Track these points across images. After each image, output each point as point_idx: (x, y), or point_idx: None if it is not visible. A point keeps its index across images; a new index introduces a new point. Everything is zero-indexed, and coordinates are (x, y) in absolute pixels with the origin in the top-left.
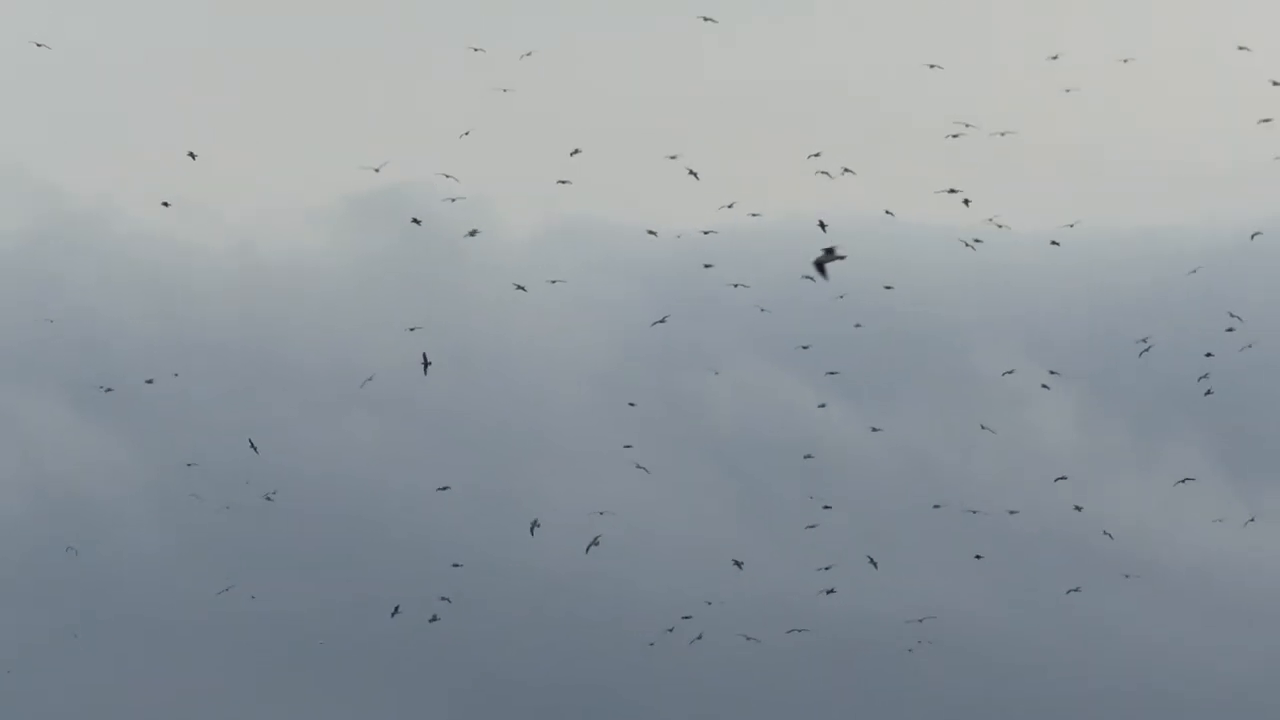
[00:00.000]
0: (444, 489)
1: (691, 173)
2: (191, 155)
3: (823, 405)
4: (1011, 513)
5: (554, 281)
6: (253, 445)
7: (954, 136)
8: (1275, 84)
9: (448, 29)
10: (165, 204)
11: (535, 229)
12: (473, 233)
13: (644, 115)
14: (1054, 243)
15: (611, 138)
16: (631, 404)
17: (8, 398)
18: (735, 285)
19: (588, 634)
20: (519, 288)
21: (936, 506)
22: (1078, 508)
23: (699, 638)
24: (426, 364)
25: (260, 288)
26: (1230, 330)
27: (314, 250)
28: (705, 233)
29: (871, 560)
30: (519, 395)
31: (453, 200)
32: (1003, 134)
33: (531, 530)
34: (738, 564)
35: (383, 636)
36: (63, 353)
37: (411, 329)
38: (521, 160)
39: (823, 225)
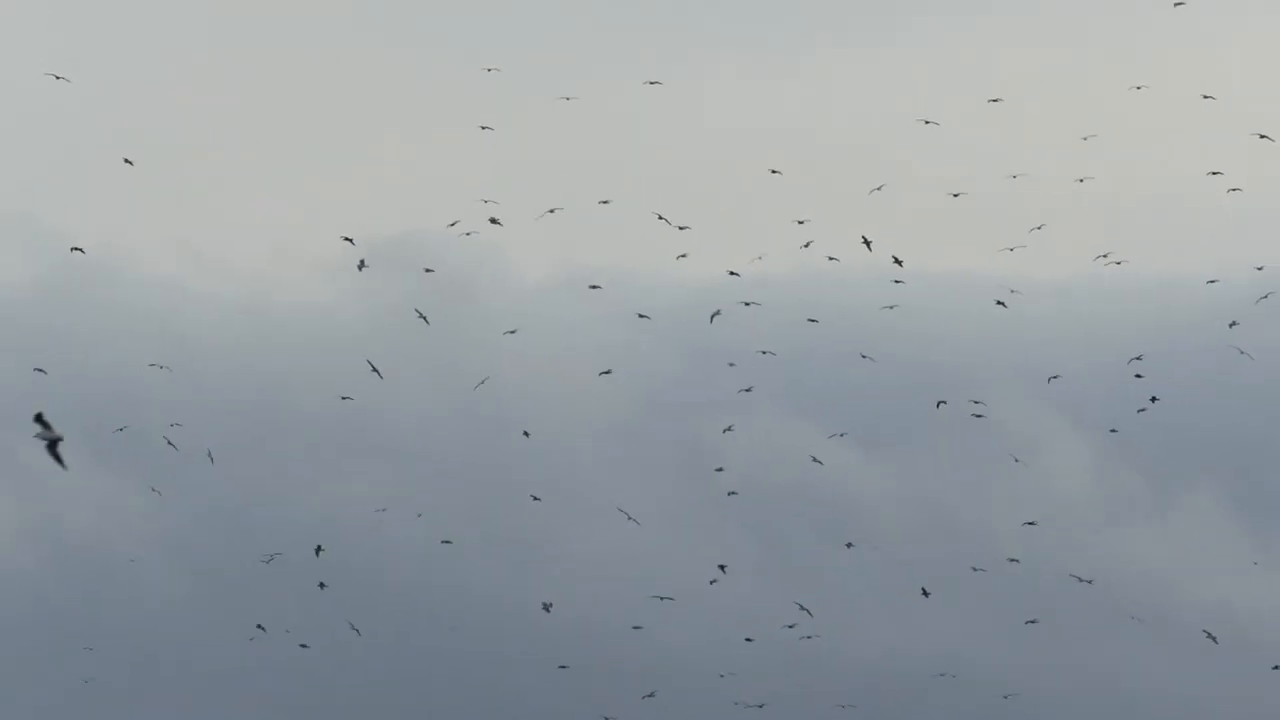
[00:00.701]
0: (447, 542)
1: (679, 227)
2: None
3: (842, 434)
4: (1011, 560)
5: (604, 373)
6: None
7: (955, 196)
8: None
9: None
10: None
11: (544, 276)
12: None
13: (652, 164)
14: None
15: (620, 185)
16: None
17: (22, 447)
18: (746, 302)
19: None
20: (510, 331)
21: (976, 569)
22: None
23: (651, 695)
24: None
25: (270, 336)
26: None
27: (324, 298)
28: (731, 273)
29: (924, 591)
30: (530, 444)
31: (466, 234)
32: (1014, 177)
33: (546, 609)
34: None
35: (391, 680)
36: (74, 402)
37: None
38: (530, 208)
39: (867, 242)
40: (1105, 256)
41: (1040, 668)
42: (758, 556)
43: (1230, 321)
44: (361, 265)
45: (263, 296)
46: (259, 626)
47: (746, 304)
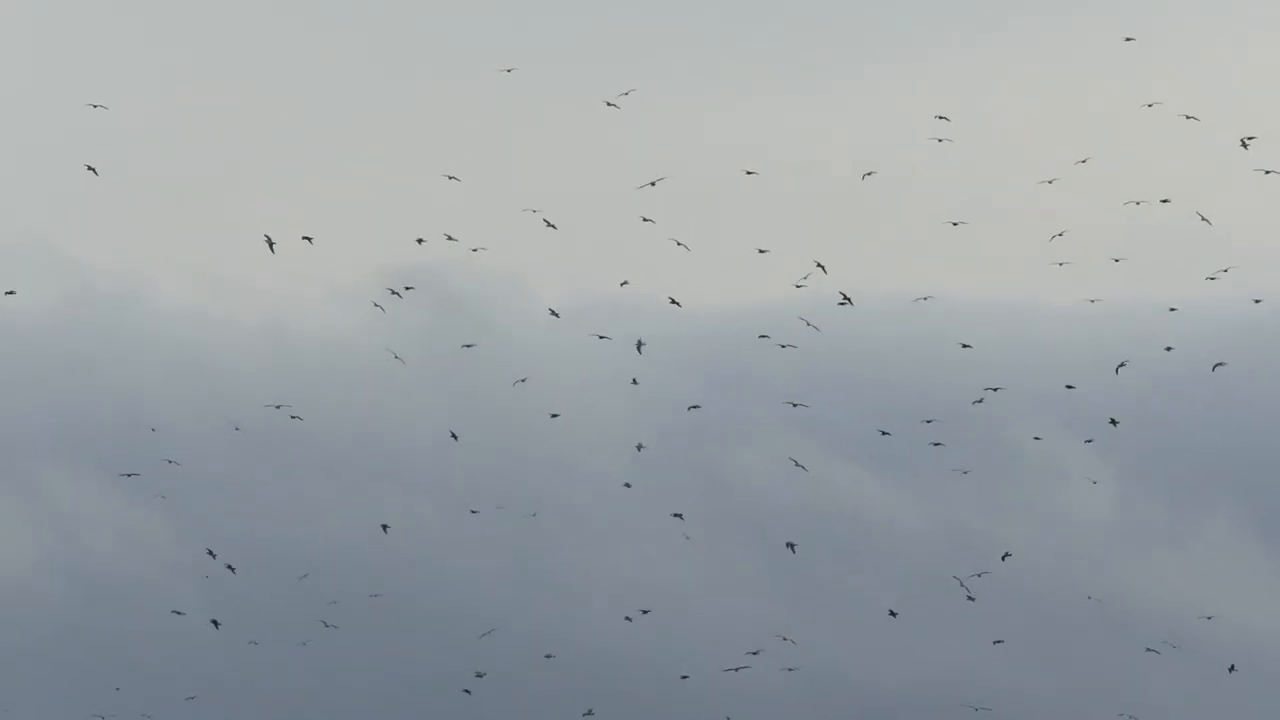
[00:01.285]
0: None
1: (680, 244)
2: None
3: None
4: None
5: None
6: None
7: (954, 224)
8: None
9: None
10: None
11: (564, 304)
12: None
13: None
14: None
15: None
16: (640, 446)
17: (41, 476)
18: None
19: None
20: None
21: (970, 598)
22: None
23: None
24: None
25: (291, 364)
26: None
27: (345, 327)
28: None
29: (891, 612)
30: (552, 471)
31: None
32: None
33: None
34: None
35: (419, 710)
36: (95, 430)
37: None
38: (549, 235)
39: (847, 299)
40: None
41: (1064, 693)
42: (772, 581)
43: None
44: (403, 291)
45: (280, 324)
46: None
47: (761, 336)
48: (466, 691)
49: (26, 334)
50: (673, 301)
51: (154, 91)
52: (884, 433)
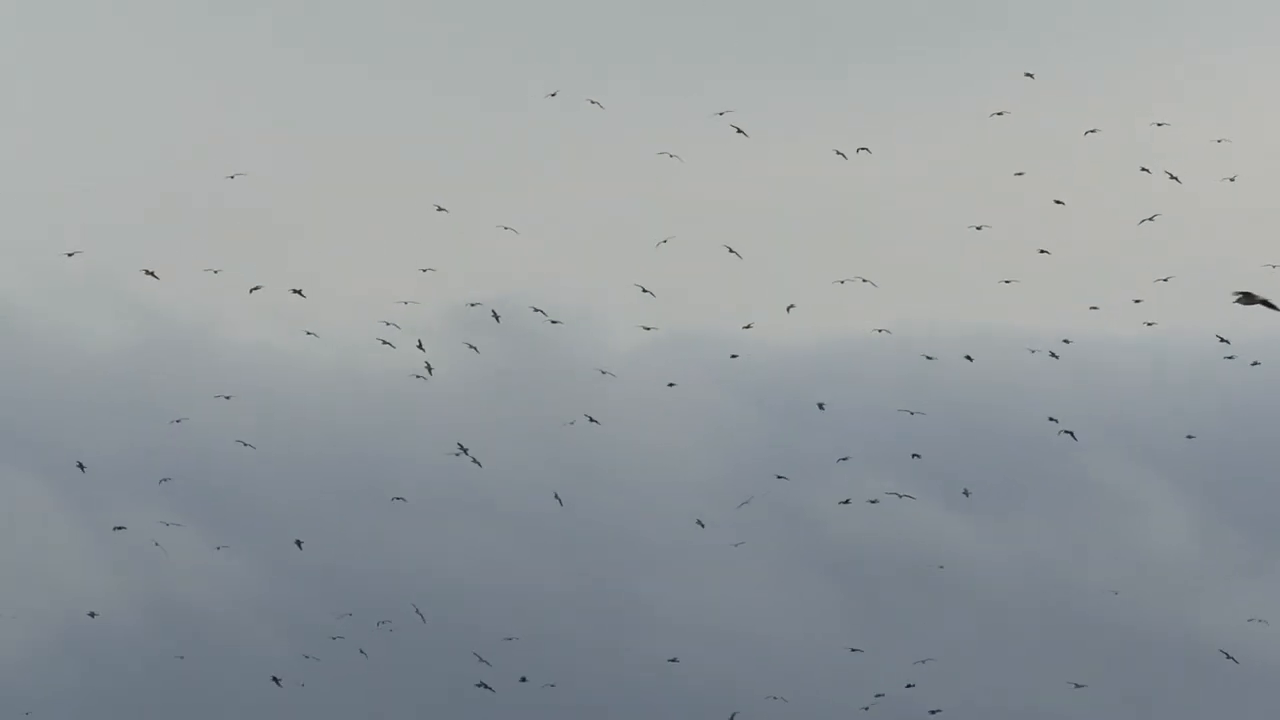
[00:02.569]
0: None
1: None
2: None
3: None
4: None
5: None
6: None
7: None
8: None
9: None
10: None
11: (638, 339)
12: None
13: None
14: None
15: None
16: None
17: (112, 508)
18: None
19: None
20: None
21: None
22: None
23: None
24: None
25: (362, 400)
26: None
27: (416, 362)
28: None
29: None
30: (627, 505)
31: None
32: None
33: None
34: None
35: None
36: (167, 465)
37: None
38: (624, 270)
39: (821, 406)
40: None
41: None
42: (856, 616)
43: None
44: (496, 317)
45: (356, 359)
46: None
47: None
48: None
49: (100, 369)
50: (746, 328)
51: (230, 129)
52: (915, 455)
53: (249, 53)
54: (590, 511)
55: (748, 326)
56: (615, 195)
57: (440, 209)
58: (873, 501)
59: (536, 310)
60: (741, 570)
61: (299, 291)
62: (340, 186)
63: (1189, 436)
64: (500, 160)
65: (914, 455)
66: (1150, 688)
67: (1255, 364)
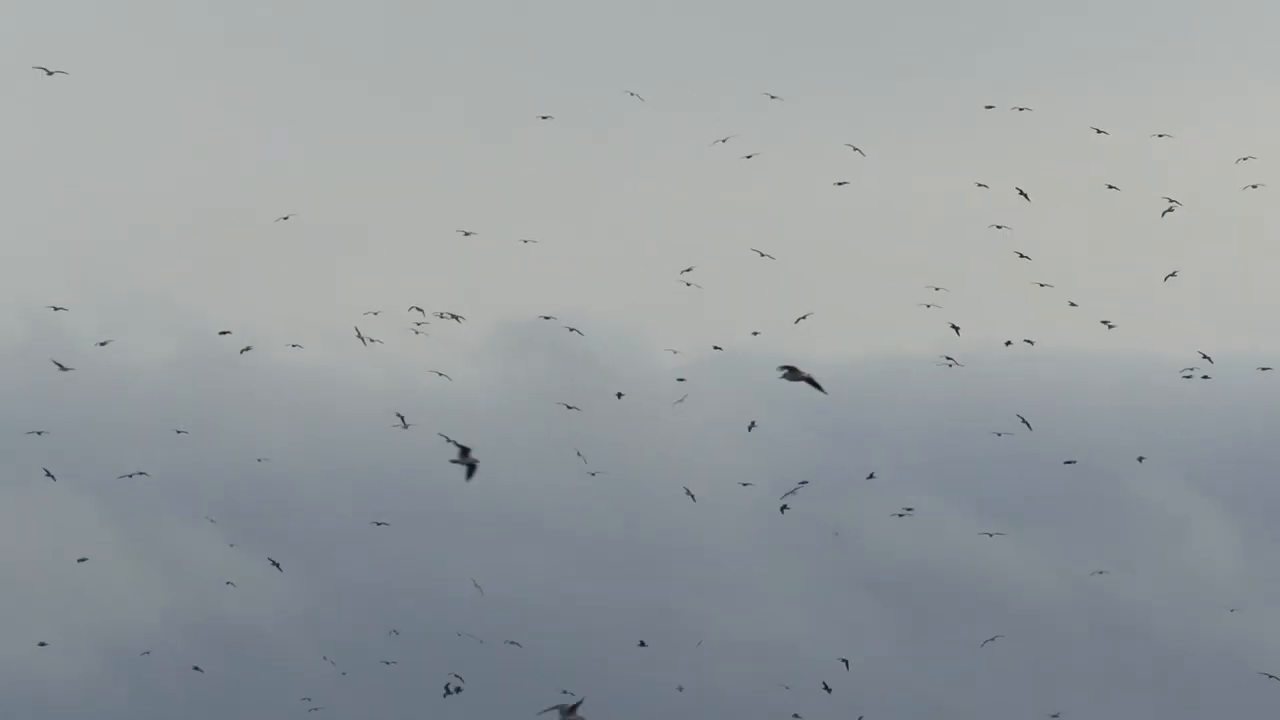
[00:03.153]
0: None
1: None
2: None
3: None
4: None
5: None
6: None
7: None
8: None
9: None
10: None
11: (684, 357)
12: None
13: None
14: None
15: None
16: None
17: (159, 525)
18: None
19: None
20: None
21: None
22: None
23: None
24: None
25: (412, 417)
26: None
27: (462, 378)
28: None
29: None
30: (673, 522)
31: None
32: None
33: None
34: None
35: None
36: (215, 483)
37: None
38: (671, 289)
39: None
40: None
41: None
42: (899, 640)
43: None
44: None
45: (403, 377)
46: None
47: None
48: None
49: (146, 386)
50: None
51: (278, 148)
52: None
53: (295, 83)
54: (631, 530)
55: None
56: (651, 209)
57: (467, 233)
58: (902, 513)
59: (572, 330)
60: (781, 587)
61: (374, 311)
62: (377, 209)
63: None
64: (533, 177)
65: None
66: (1193, 708)
67: None
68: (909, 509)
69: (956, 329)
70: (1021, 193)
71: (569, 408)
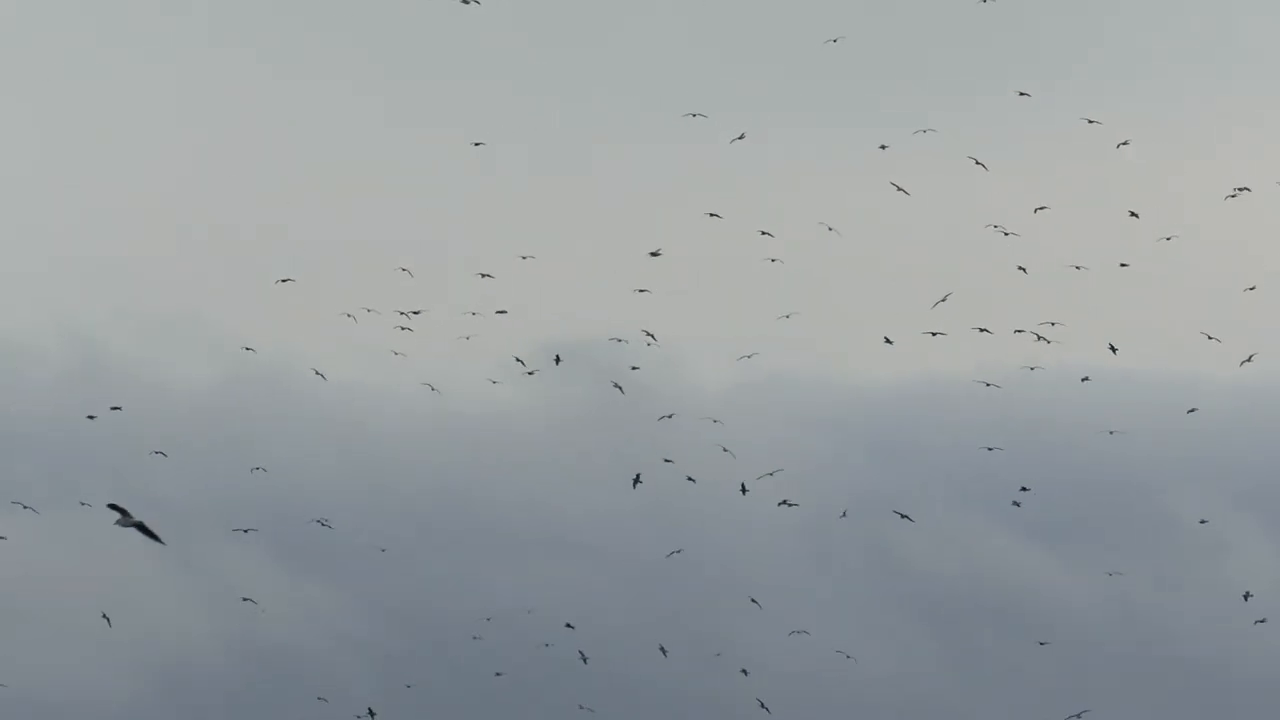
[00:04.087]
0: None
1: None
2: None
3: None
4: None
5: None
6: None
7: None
8: None
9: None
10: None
11: (729, 382)
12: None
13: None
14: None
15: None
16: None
17: (205, 549)
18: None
19: None
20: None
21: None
22: None
23: None
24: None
25: (452, 435)
26: None
27: (504, 398)
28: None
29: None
30: (714, 543)
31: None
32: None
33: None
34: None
35: None
36: (255, 501)
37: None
38: (718, 313)
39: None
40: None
41: None
42: (943, 656)
43: None
44: (558, 360)
45: (442, 396)
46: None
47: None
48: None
49: (188, 407)
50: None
51: (316, 171)
52: (1020, 496)
53: (346, 109)
54: (674, 550)
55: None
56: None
57: (525, 257)
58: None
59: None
60: (830, 609)
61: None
62: (422, 228)
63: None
64: (585, 202)
65: (1015, 501)
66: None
67: None
68: (952, 533)
69: (1044, 340)
70: (1040, 209)
71: (611, 430)
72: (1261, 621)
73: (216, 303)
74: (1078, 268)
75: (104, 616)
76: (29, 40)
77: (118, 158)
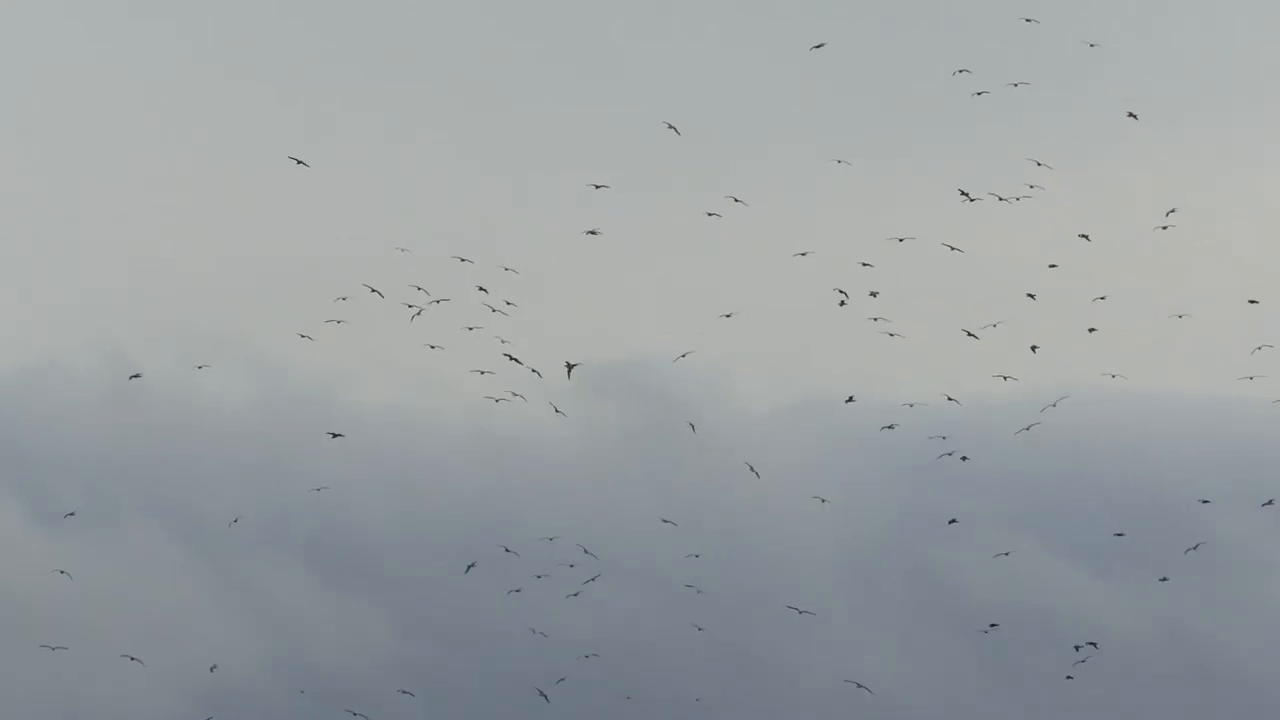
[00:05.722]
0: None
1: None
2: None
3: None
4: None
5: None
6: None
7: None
8: None
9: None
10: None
11: (770, 404)
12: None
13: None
14: None
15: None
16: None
17: (250, 569)
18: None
19: None
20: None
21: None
22: None
23: None
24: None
25: (495, 459)
26: None
27: (548, 422)
28: (949, 398)
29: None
30: (761, 569)
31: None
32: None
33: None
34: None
35: None
36: (297, 525)
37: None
38: (758, 336)
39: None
40: None
41: None
42: (994, 682)
43: None
44: (569, 369)
45: (485, 419)
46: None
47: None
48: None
49: (229, 429)
50: (849, 399)
51: (353, 194)
52: (1119, 534)
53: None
54: (718, 572)
55: (852, 401)
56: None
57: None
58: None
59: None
60: (875, 631)
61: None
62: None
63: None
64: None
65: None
66: None
67: None
68: (1005, 553)
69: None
70: (1084, 236)
71: (652, 452)
72: None
73: (258, 324)
74: (1102, 298)
75: (131, 658)
76: (68, 67)
77: (156, 181)
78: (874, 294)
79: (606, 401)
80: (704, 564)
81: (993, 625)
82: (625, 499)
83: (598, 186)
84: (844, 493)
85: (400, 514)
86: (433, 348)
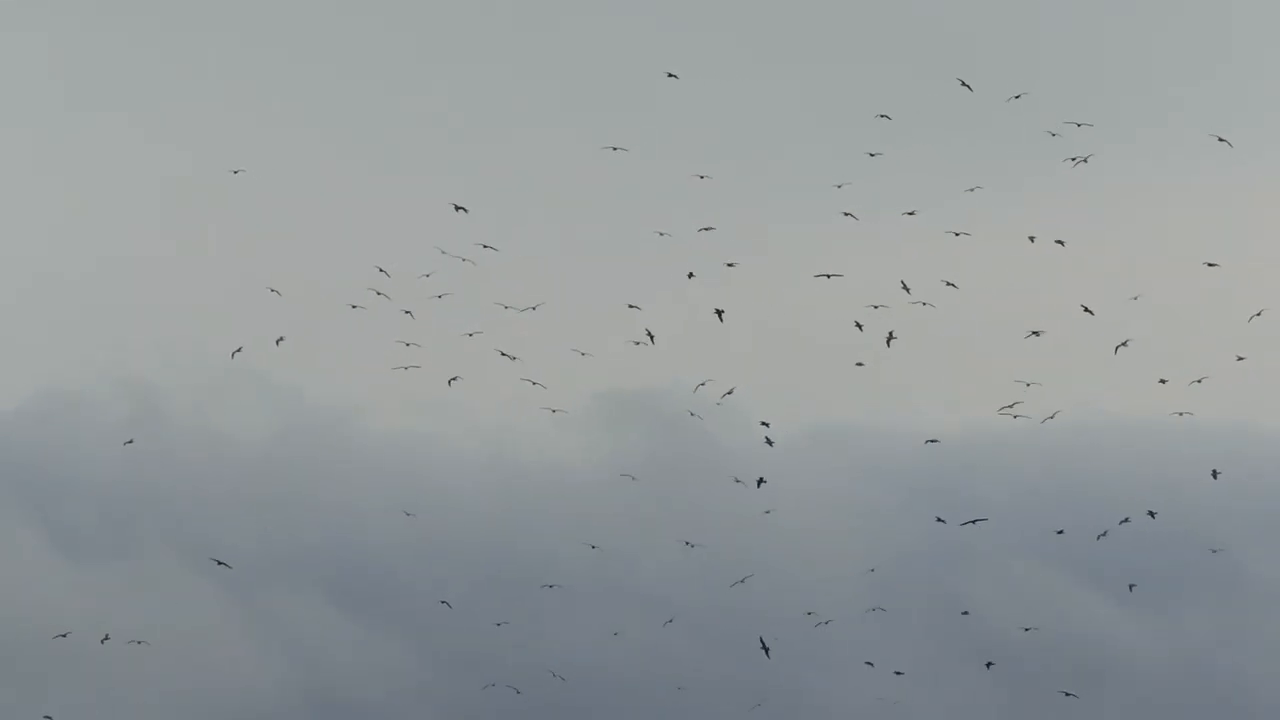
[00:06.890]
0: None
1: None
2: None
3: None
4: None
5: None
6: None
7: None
8: None
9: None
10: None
11: (790, 433)
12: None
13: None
14: None
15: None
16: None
17: (266, 597)
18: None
19: None
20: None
21: None
22: None
23: None
24: None
25: (513, 487)
26: None
27: (565, 448)
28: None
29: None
30: (780, 598)
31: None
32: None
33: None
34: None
35: None
36: (317, 552)
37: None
38: (776, 365)
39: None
40: None
41: None
42: (1011, 710)
43: None
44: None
45: (504, 446)
46: None
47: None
48: None
49: (246, 460)
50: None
51: (367, 219)
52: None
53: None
54: (738, 601)
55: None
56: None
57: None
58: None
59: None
60: (892, 659)
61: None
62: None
63: None
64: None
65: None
66: None
67: None
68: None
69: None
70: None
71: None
72: None
73: (273, 352)
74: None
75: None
76: (100, 91)
77: (172, 210)
78: (891, 338)
79: (626, 430)
80: (720, 595)
81: (989, 664)
82: (645, 525)
83: (458, 208)
84: (864, 521)
85: (416, 540)
86: (451, 382)
